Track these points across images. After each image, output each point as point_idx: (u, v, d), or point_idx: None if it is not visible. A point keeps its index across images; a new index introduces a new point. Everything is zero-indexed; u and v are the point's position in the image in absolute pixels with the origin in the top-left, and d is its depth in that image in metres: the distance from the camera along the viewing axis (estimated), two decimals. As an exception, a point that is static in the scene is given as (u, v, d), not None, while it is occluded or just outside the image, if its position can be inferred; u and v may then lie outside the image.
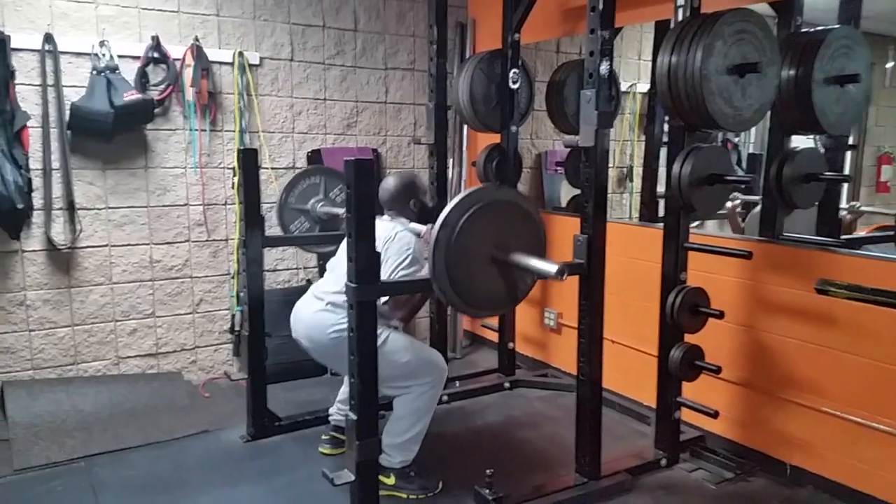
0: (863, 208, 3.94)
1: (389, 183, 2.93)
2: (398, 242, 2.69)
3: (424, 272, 2.47)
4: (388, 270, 2.60)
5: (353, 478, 2.20)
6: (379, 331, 2.32)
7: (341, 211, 3.32)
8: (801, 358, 2.82)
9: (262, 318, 3.23)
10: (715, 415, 2.80)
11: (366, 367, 2.19)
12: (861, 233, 3.97)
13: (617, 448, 3.11)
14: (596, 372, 2.69)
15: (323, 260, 3.62)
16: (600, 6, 2.35)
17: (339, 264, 2.87)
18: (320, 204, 3.47)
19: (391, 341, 2.70)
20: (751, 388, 3.02)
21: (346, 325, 2.31)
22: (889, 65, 4.91)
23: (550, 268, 2.14)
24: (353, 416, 2.20)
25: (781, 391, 2.89)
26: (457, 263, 2.14)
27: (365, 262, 2.11)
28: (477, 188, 2.26)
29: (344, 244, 2.91)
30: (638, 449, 3.13)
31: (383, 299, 2.52)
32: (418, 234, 2.79)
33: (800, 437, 2.84)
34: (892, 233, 3.66)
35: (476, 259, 2.20)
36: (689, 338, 2.84)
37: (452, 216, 2.12)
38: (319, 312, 2.79)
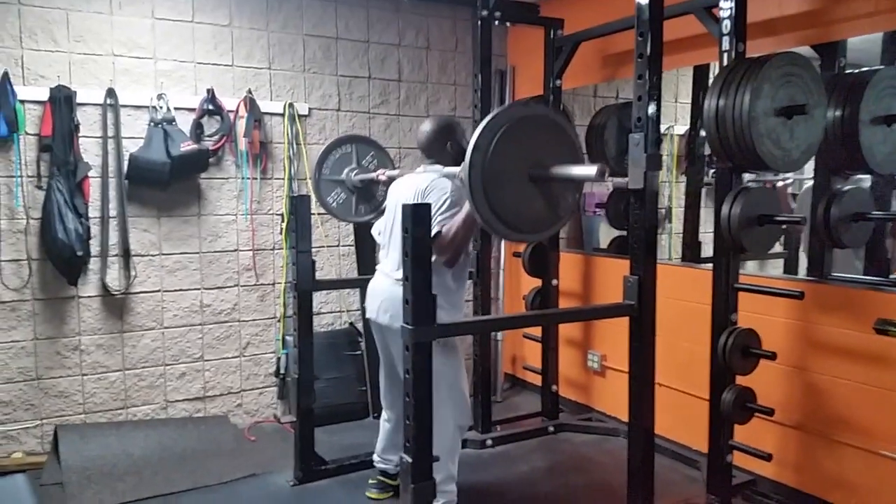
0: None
1: (426, 126, 2.89)
2: (434, 191, 2.65)
3: (464, 210, 2.43)
4: None
5: (408, 522, 2.19)
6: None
7: (374, 174, 3.31)
8: (856, 400, 2.77)
9: (311, 361, 3.26)
10: (768, 458, 2.75)
11: (421, 410, 2.19)
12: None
13: (668, 493, 3.06)
14: (648, 416, 2.65)
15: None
16: (648, 53, 2.40)
17: (391, 234, 2.86)
18: (354, 172, 3.41)
19: (456, 361, 2.70)
20: (804, 431, 2.96)
21: None
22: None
23: (589, 170, 2.09)
24: (408, 459, 2.20)
25: (836, 434, 2.84)
26: (493, 185, 2.08)
27: (421, 303, 2.14)
28: (504, 107, 2.18)
29: (388, 210, 2.93)
30: (690, 494, 3.07)
31: None
32: (454, 176, 2.71)
33: (857, 481, 2.77)
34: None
35: (513, 178, 2.13)
36: (740, 380, 2.81)
37: (484, 137, 2.07)
38: (394, 286, 2.72)
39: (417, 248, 2.12)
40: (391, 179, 3.13)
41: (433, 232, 2.47)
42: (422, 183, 2.72)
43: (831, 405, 2.86)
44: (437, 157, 2.86)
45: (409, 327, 2.14)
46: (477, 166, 2.06)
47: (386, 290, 2.81)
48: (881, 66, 2.82)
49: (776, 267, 3.60)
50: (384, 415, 3.14)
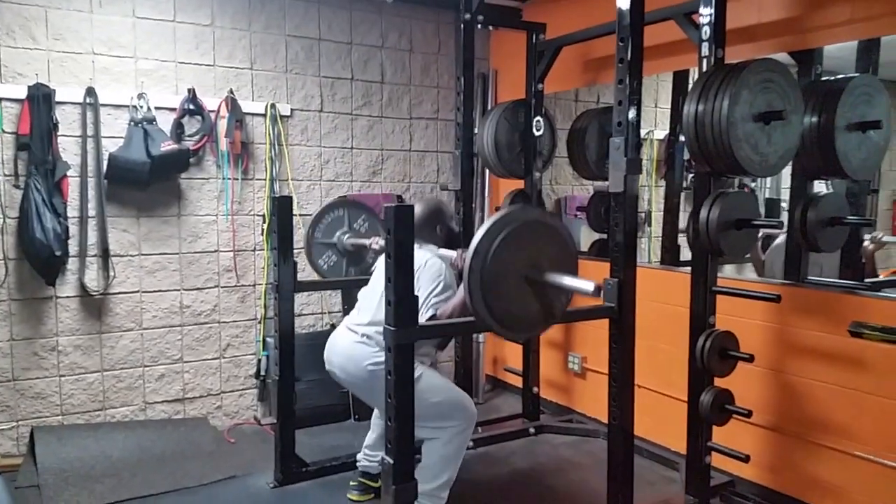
0: (885, 238, 3.86)
1: (416, 210, 2.95)
2: (429, 270, 2.71)
3: (458, 297, 2.48)
4: (422, 299, 2.60)
5: (389, 523, 2.19)
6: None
7: (367, 241, 3.34)
8: (831, 401, 2.82)
9: (292, 363, 3.26)
10: (746, 459, 2.78)
11: (402, 411, 2.20)
12: (881, 276, 3.97)
13: (647, 494, 3.09)
14: (628, 417, 2.68)
15: (347, 293, 3.61)
16: (628, 58, 2.43)
17: (370, 296, 2.89)
18: (346, 236, 3.46)
19: (425, 378, 2.70)
20: (781, 433, 3.00)
21: (380, 358, 2.32)
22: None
23: (587, 286, 2.13)
24: (390, 460, 2.20)
25: (812, 435, 2.88)
26: (492, 290, 2.12)
27: (403, 305, 2.14)
28: (504, 212, 2.24)
29: (375, 276, 2.96)
30: (668, 495, 3.10)
31: None
32: (448, 260, 2.80)
33: (833, 481, 2.81)
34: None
35: (510, 282, 2.16)
36: (718, 381, 2.84)
37: (483, 244, 2.10)
38: (354, 345, 2.81)
39: (400, 249, 2.13)
40: (383, 249, 3.14)
41: (428, 315, 2.55)
42: (419, 259, 2.76)
43: (808, 407, 2.90)
44: (428, 240, 2.92)
45: (392, 329, 2.14)
46: (476, 271, 2.09)
47: (344, 350, 2.87)
48: (856, 74, 2.87)
49: (753, 271, 3.65)
50: (377, 412, 3.15)
